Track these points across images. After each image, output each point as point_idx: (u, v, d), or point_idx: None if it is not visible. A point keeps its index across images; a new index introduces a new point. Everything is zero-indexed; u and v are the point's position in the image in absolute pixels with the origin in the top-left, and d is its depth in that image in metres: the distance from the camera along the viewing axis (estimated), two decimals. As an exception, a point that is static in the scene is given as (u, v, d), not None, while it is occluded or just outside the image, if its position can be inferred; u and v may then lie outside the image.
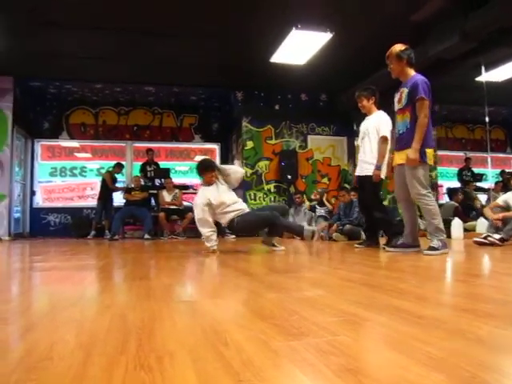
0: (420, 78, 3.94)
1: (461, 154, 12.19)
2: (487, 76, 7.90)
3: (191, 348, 1.07)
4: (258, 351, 1.03)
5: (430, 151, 3.91)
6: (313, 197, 8.17)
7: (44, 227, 9.56)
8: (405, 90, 4.00)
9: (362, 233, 6.73)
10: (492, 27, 5.49)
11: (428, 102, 3.83)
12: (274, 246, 4.57)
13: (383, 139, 4.68)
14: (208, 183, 4.48)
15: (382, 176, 4.71)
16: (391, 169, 4.44)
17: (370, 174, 4.69)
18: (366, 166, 4.79)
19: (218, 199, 4.32)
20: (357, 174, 4.99)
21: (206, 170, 4.48)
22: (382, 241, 4.90)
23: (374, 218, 4.80)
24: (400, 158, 4.06)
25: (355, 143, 9.59)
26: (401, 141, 4.06)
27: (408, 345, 1.06)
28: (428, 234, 3.98)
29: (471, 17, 5.55)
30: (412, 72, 4.05)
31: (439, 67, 6.71)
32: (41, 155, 9.94)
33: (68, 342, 1.15)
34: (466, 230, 6.90)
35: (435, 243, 3.80)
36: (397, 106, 4.16)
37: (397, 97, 4.16)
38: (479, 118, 11.34)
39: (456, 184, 10.73)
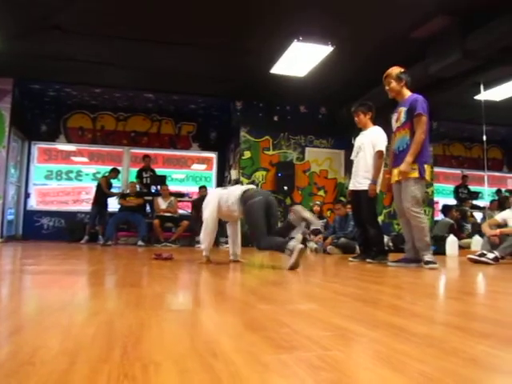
0: (418, 96, 4.07)
1: (458, 171, 12.24)
2: (486, 95, 7.95)
3: (178, 358, 1.04)
4: (247, 364, 1.00)
5: (427, 167, 4.01)
6: (314, 209, 8.09)
7: (37, 230, 9.50)
8: (403, 109, 4.10)
9: (357, 246, 6.73)
10: (493, 46, 5.53)
11: (426, 118, 3.94)
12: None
13: (379, 154, 4.71)
14: None
15: (378, 191, 4.73)
16: (389, 186, 4.45)
17: (365, 188, 4.71)
18: (360, 180, 4.81)
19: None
20: (351, 188, 5.00)
21: None
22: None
23: (369, 232, 4.81)
24: (398, 174, 4.12)
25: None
26: (400, 158, 4.11)
27: (401, 362, 1.04)
28: (419, 250, 4.08)
29: (472, 35, 5.59)
30: (409, 92, 4.20)
31: (438, 85, 6.75)
32: (37, 158, 9.91)
33: (52, 348, 1.12)
34: (460, 247, 6.89)
35: (430, 257, 3.97)
36: (395, 126, 4.26)
37: (394, 117, 4.27)
38: (477, 137, 11.42)
39: (452, 201, 10.75)
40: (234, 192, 4.11)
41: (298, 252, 3.54)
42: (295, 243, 3.70)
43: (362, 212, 4.87)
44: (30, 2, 5.49)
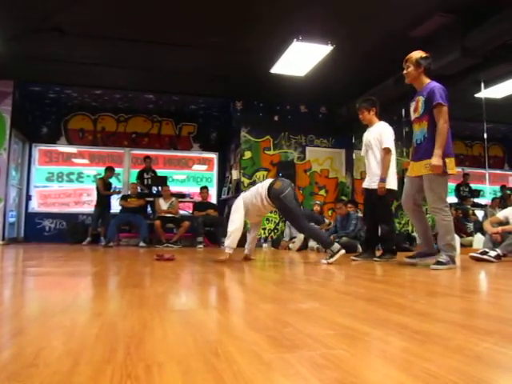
0: (436, 84, 3.86)
1: (459, 169, 12.20)
2: (486, 93, 7.93)
3: (181, 358, 1.04)
4: (250, 363, 1.00)
5: (450, 160, 3.77)
6: (314, 209, 8.09)
7: (39, 232, 9.51)
8: (421, 99, 3.90)
9: (359, 245, 6.73)
10: (493, 43, 5.52)
11: (446, 107, 3.73)
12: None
13: (386, 151, 4.66)
14: None
15: (390, 187, 4.68)
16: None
17: (376, 187, 4.70)
18: (373, 178, 4.78)
19: None
20: (364, 186, 4.97)
21: None
22: (378, 253, 4.89)
23: (381, 230, 4.82)
24: (416, 169, 3.95)
25: (354, 154, 9.63)
26: (418, 151, 3.95)
27: (405, 360, 1.03)
28: (440, 250, 3.87)
29: (471, 33, 5.58)
30: (427, 80, 3.97)
31: (439, 83, 6.72)
32: (38, 160, 9.92)
33: (55, 349, 1.12)
34: (462, 245, 6.89)
35: (443, 258, 3.73)
36: (413, 116, 4.06)
37: (413, 106, 4.06)
38: (478, 135, 11.40)
39: (453, 199, 10.74)
40: (259, 191, 4.33)
41: (339, 255, 4.19)
42: (339, 246, 4.24)
43: (376, 210, 4.84)
44: (30, 3, 5.49)
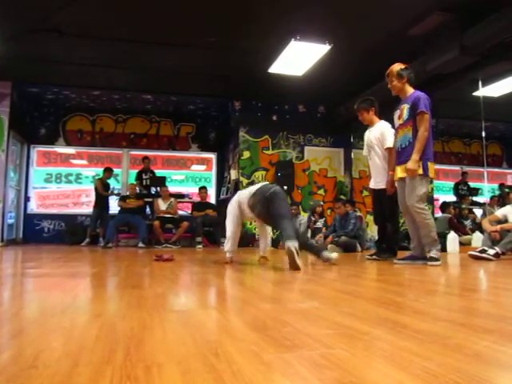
0: (421, 93, 4.05)
1: (457, 168, 12.23)
2: (484, 91, 7.94)
3: (181, 359, 1.04)
4: (250, 363, 1.00)
5: (431, 164, 4.01)
6: (317, 210, 8.01)
7: (37, 233, 9.49)
8: (405, 106, 4.09)
9: (358, 245, 6.75)
10: (491, 42, 5.51)
11: (428, 116, 3.94)
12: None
13: (389, 151, 4.67)
14: None
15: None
16: (392, 183, 4.44)
17: (383, 187, 4.71)
18: (379, 178, 4.80)
19: None
20: (371, 186, 5.00)
21: None
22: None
23: (385, 229, 4.85)
24: (401, 171, 4.11)
25: (352, 154, 9.63)
26: (402, 155, 4.12)
27: (405, 359, 1.03)
28: (425, 246, 4.06)
29: (469, 31, 5.58)
30: (411, 89, 4.18)
31: (437, 81, 6.73)
32: (36, 161, 9.90)
33: (55, 350, 1.12)
34: (461, 243, 6.89)
35: (434, 253, 3.95)
36: (397, 123, 4.24)
37: (397, 114, 4.24)
38: (476, 133, 11.42)
39: (452, 198, 10.75)
40: (243, 197, 4.25)
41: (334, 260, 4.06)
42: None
43: (384, 210, 4.88)
44: (28, 3, 5.48)
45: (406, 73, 4.15)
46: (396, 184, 4.32)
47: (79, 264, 4.39)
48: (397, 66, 4.17)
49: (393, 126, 4.53)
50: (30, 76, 8.12)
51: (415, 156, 3.89)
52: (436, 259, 3.92)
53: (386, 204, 4.78)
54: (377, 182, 4.84)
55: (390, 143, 4.66)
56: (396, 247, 4.92)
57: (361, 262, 4.83)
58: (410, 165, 3.90)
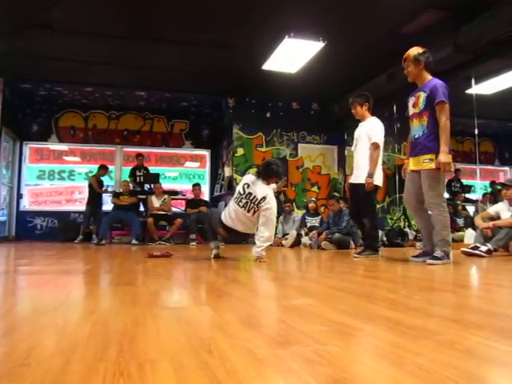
0: (438, 81, 3.82)
1: (450, 165, 12.27)
2: (477, 89, 7.97)
3: (174, 356, 1.04)
4: (243, 360, 1.00)
5: (450, 157, 3.76)
6: (310, 206, 8.02)
7: (30, 231, 9.43)
8: (422, 94, 3.86)
9: (351, 242, 6.75)
10: (484, 39, 5.53)
11: (448, 105, 3.72)
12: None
13: (374, 146, 4.62)
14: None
15: (376, 183, 4.64)
16: (404, 174, 4.25)
17: (362, 182, 4.63)
18: (358, 173, 4.74)
19: None
20: (350, 181, 4.93)
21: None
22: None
23: (363, 225, 4.78)
24: (414, 164, 3.95)
25: (346, 151, 9.64)
26: (416, 146, 3.93)
27: (398, 355, 1.04)
28: (435, 245, 3.88)
29: (463, 29, 5.60)
30: (429, 76, 3.92)
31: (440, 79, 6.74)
32: (29, 158, 9.83)
33: (47, 347, 1.12)
34: (453, 240, 6.91)
35: (438, 253, 3.75)
36: (412, 111, 4.02)
37: (412, 101, 4.01)
38: (468, 130, 11.47)
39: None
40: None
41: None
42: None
43: (359, 206, 4.79)
44: (20, 0, 5.43)
45: (423, 57, 3.86)
46: (406, 177, 4.14)
47: (72, 261, 4.37)
48: (414, 50, 3.89)
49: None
50: (22, 72, 8.05)
51: (445, 148, 3.66)
52: (438, 258, 3.71)
53: (363, 200, 4.70)
54: (356, 175, 4.78)
55: (377, 139, 4.63)
56: (376, 244, 4.78)
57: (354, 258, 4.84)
58: (443, 158, 3.65)
